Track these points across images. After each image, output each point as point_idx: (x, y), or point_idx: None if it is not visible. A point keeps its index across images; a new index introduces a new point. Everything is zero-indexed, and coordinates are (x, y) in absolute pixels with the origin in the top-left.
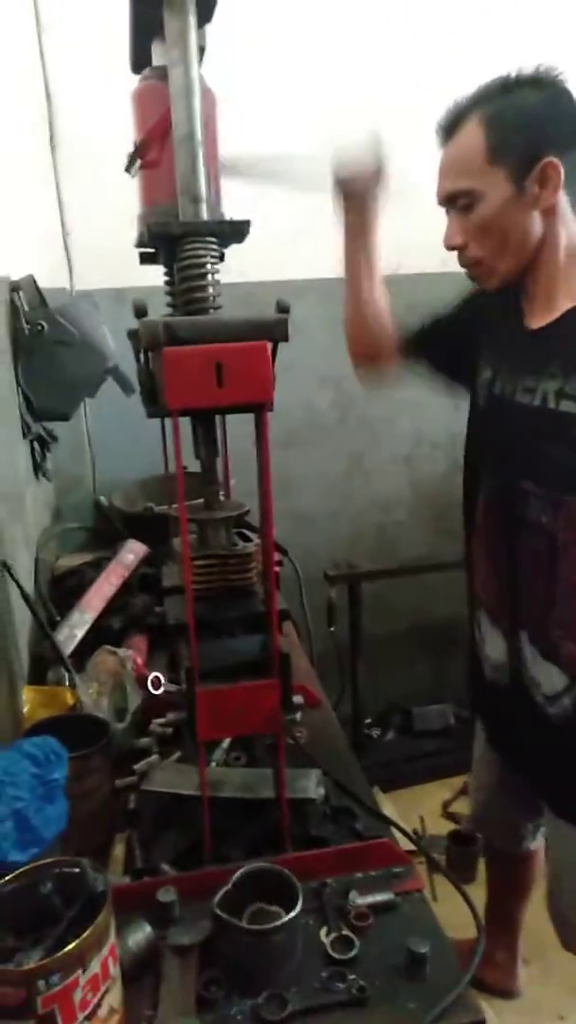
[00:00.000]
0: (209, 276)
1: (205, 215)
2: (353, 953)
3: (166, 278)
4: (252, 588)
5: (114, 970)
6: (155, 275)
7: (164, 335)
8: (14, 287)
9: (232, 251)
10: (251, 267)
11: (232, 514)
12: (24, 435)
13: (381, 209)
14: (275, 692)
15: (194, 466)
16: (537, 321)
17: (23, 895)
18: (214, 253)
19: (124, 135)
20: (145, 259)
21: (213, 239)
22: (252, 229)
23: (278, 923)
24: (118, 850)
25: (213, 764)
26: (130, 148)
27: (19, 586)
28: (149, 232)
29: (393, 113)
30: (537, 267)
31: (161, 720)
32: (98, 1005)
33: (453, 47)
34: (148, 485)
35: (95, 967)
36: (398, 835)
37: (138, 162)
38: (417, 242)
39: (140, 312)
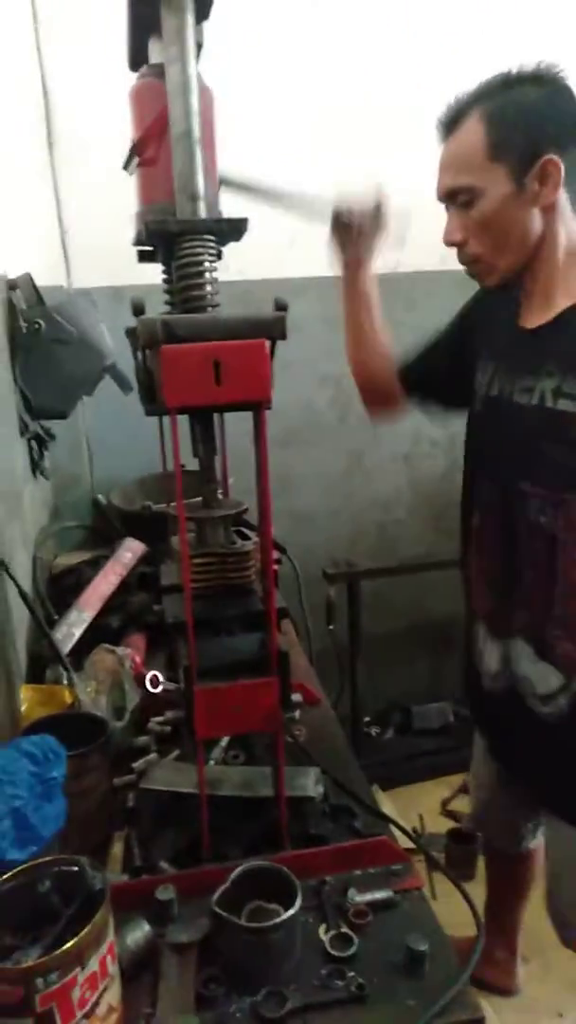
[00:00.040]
0: (207, 274)
1: (203, 213)
2: (352, 951)
3: (164, 276)
4: (251, 586)
5: (113, 968)
6: (153, 273)
7: (162, 333)
8: (11, 285)
9: (230, 249)
10: (249, 265)
11: (230, 512)
12: (22, 433)
13: (378, 250)
14: (274, 690)
15: (192, 464)
16: (535, 320)
17: (21, 893)
18: (212, 251)
19: (122, 133)
20: (143, 257)
21: (211, 237)
22: (250, 227)
23: (277, 921)
24: (116, 848)
25: (212, 762)
26: (128, 146)
27: (17, 585)
28: (147, 230)
29: (393, 113)
30: (536, 265)
31: (160, 718)
32: (96, 1003)
33: (453, 47)
34: (146, 483)
35: (93, 965)
36: (397, 833)
37: (136, 160)
38: (416, 240)
39: (138, 310)
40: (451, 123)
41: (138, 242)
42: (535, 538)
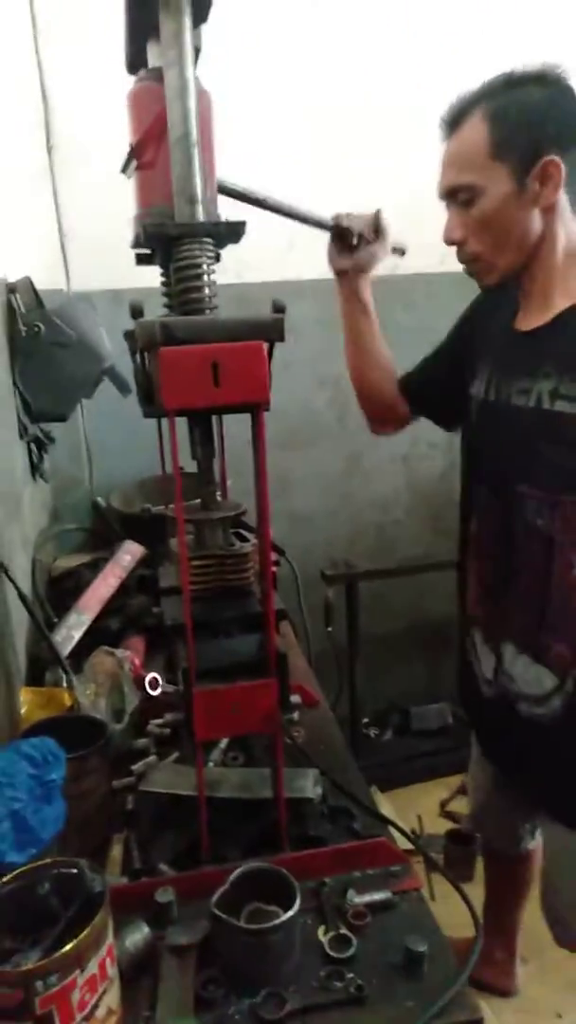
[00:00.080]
0: (205, 276)
1: (201, 216)
2: (351, 952)
3: (163, 279)
4: (249, 588)
5: (112, 970)
6: (152, 276)
7: (160, 335)
8: (11, 289)
9: (228, 251)
10: (248, 268)
11: (229, 514)
12: (21, 436)
13: (379, 257)
14: (272, 692)
15: (191, 467)
16: (532, 322)
17: (21, 896)
18: (210, 254)
19: (120, 136)
20: (141, 260)
21: (209, 240)
22: (248, 230)
23: (276, 922)
24: (116, 851)
25: (211, 764)
26: (126, 149)
27: (16, 587)
28: (145, 233)
29: (393, 113)
30: (535, 265)
31: (159, 721)
32: (96, 1006)
33: (453, 47)
34: (145, 486)
35: (93, 967)
36: (396, 834)
37: (134, 163)
38: (414, 241)
39: (136, 313)
40: (454, 121)
41: (136, 245)
42: (532, 541)
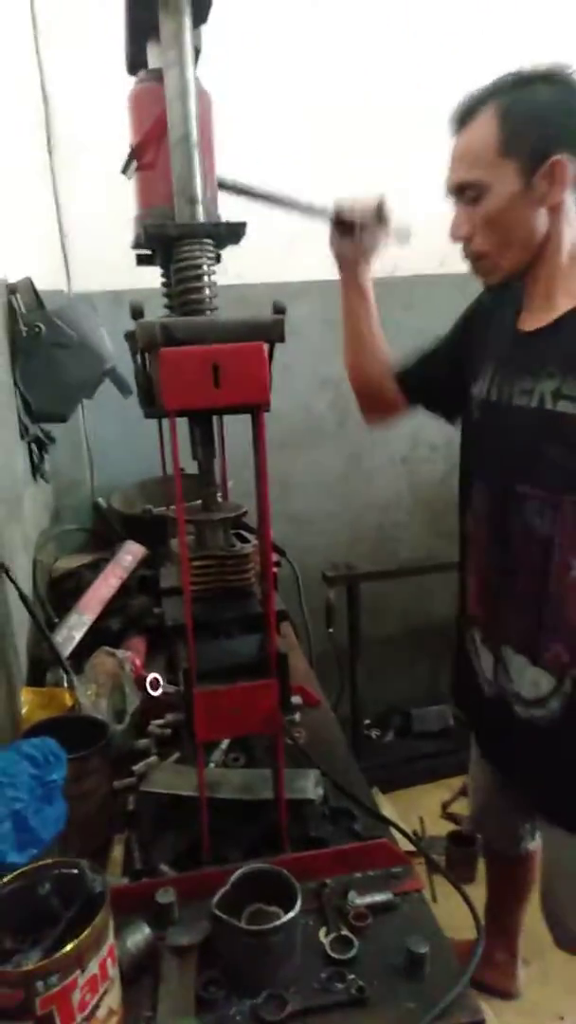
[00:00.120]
0: (206, 277)
1: (201, 217)
2: (352, 953)
3: (163, 280)
4: (250, 589)
5: (113, 971)
6: (152, 277)
7: (161, 336)
8: (12, 289)
9: (229, 252)
10: (248, 269)
11: (230, 515)
12: (22, 437)
13: (380, 246)
14: (273, 692)
15: (192, 468)
16: (535, 322)
17: (22, 896)
18: (210, 254)
19: (121, 137)
20: (142, 260)
21: (209, 241)
22: (249, 231)
23: (277, 923)
24: (117, 851)
25: (212, 765)
26: (126, 150)
27: (17, 588)
28: (146, 234)
29: (393, 113)
30: (539, 265)
31: (160, 721)
32: (97, 1006)
33: (453, 47)
34: (146, 487)
35: (94, 968)
36: (397, 836)
37: (134, 164)
38: (414, 243)
39: (137, 313)
40: (464, 118)
41: (137, 245)
42: (530, 542)
